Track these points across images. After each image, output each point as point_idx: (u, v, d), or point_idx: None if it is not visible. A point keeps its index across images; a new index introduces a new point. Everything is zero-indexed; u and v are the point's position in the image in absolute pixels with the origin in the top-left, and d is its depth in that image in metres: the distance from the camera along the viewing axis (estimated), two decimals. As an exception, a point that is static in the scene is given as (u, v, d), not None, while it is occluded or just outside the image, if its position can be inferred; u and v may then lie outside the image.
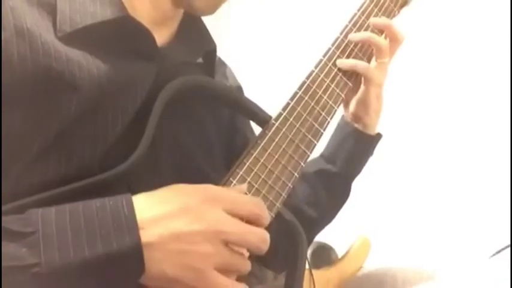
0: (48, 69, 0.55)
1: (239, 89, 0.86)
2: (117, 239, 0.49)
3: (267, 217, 0.57)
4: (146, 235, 0.50)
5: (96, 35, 0.60)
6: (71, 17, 0.60)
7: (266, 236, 0.56)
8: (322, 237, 1.14)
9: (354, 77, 0.74)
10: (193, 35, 0.75)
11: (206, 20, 0.75)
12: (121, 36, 0.62)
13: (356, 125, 0.85)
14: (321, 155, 0.87)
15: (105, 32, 0.61)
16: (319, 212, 0.86)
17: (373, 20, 0.77)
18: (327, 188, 0.86)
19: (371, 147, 0.87)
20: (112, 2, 0.63)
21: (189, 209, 0.53)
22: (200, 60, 0.76)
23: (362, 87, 0.80)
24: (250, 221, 0.56)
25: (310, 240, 0.89)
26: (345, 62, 0.74)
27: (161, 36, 0.69)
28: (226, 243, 0.53)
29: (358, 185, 0.91)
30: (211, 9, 0.70)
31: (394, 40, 0.79)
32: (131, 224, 0.50)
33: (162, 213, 0.52)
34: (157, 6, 0.69)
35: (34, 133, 0.55)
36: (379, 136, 0.87)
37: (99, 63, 0.59)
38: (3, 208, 0.51)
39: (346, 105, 0.85)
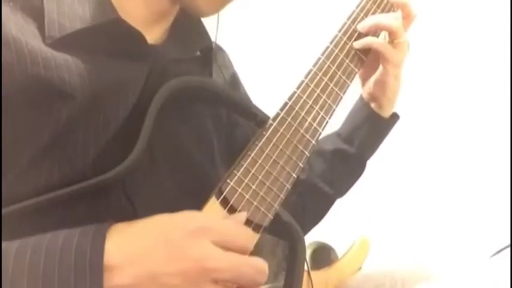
0: (37, 78, 0.53)
1: (234, 76, 0.85)
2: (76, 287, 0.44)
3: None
4: (120, 276, 0.46)
5: (85, 39, 0.59)
6: (59, 21, 0.58)
7: (264, 266, 0.53)
8: (322, 237, 1.14)
9: (353, 76, 0.74)
10: (189, 31, 0.73)
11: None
12: (111, 38, 0.60)
13: (373, 107, 0.84)
14: (338, 134, 0.88)
15: (95, 35, 0.59)
16: (334, 189, 0.87)
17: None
18: (344, 167, 0.87)
19: (388, 129, 0.87)
20: (101, 3, 0.61)
21: (169, 243, 0.48)
22: (197, 52, 0.74)
23: (380, 67, 0.79)
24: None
25: (322, 217, 0.90)
26: (360, 42, 0.74)
27: (154, 33, 0.68)
28: (217, 282, 0.49)
29: (358, 185, 0.90)
30: (215, 11, 0.68)
31: (410, 18, 0.79)
32: (95, 270, 0.45)
33: (139, 249, 0.47)
34: (151, 6, 0.67)
35: (26, 142, 0.54)
36: (395, 117, 0.86)
37: (89, 66, 0.57)
38: (3, 211, 0.50)
39: (364, 85, 0.85)
